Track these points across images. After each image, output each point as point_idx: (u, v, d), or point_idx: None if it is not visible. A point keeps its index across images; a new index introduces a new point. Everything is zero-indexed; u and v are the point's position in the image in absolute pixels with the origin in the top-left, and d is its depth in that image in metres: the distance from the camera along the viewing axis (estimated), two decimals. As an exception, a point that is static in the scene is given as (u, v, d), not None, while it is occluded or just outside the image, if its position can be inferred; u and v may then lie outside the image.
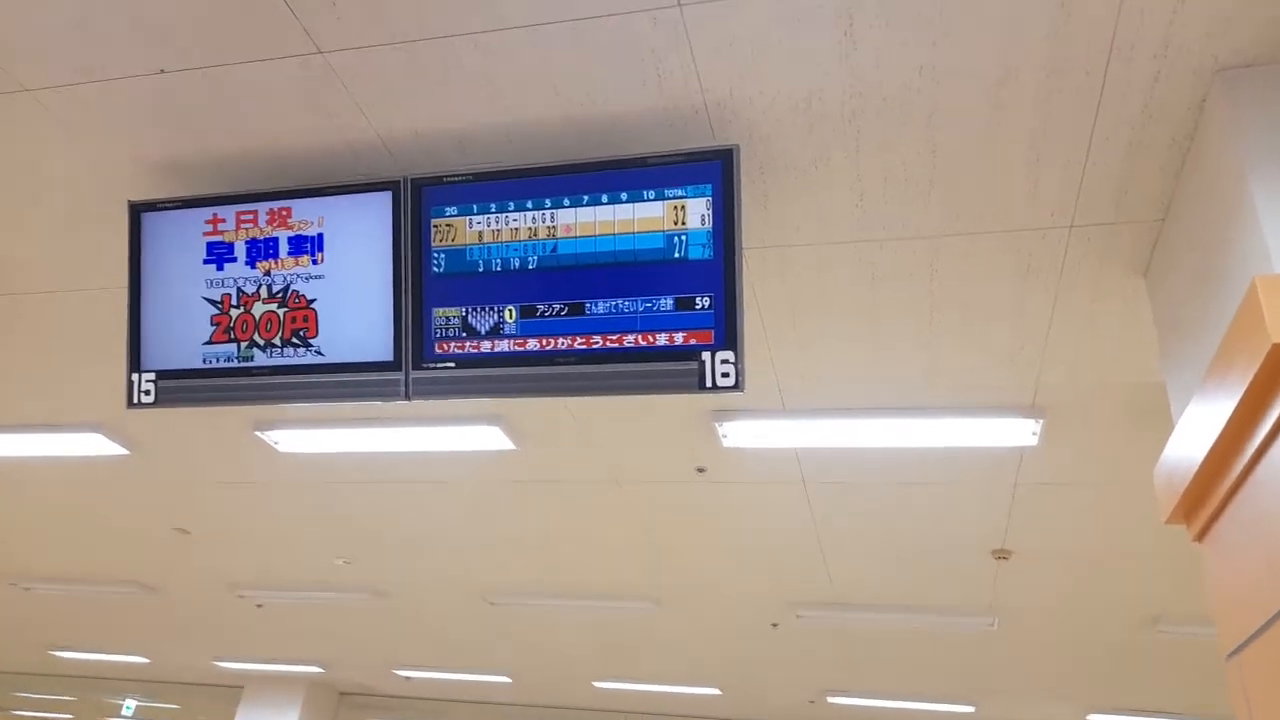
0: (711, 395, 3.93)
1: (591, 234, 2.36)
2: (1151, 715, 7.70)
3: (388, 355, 2.48)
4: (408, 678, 9.98)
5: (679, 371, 2.25)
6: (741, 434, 4.17)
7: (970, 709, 8.42)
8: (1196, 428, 2.05)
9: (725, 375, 2.23)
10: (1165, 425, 2.52)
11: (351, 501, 5.63)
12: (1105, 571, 5.14)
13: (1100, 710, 7.90)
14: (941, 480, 4.39)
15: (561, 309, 2.34)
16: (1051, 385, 3.53)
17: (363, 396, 2.49)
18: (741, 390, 2.24)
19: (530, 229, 2.41)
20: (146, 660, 10.99)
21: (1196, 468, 2.04)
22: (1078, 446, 3.92)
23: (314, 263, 2.57)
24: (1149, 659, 6.38)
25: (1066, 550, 4.95)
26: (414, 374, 2.43)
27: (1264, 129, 1.98)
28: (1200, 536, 2.15)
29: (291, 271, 2.58)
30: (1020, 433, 3.81)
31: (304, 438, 4.64)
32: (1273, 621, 1.78)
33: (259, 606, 7.82)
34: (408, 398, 2.42)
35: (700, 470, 4.66)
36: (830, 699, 8.66)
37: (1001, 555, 5.05)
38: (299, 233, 2.61)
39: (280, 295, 2.59)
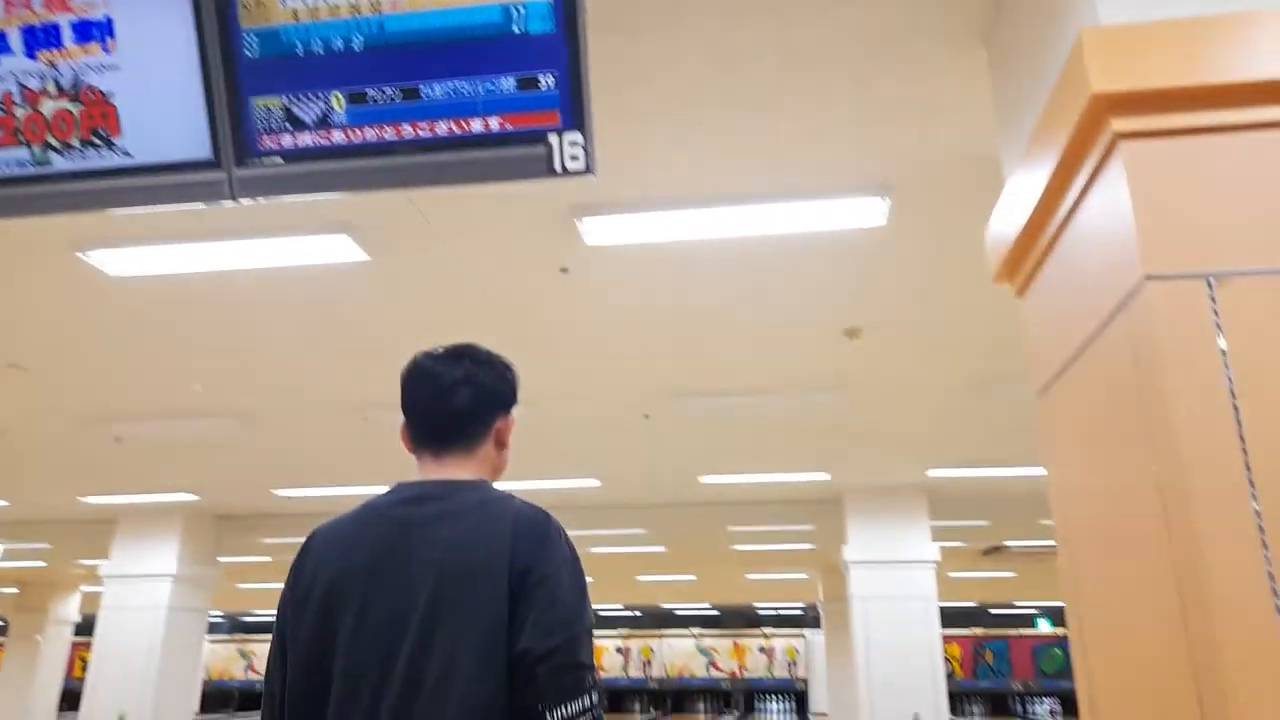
0: (569, 191, 3.89)
1: (421, 8, 2.17)
2: (982, 466, 8.63)
3: (206, 153, 2.26)
4: (286, 497, 10.03)
5: (526, 157, 2.16)
6: (602, 230, 4.15)
7: (826, 476, 9.21)
8: (1023, 186, 2.15)
9: (574, 159, 2.16)
10: (1001, 194, 2.64)
11: (202, 326, 5.37)
12: (946, 341, 5.54)
13: (939, 465, 8.78)
14: (796, 265, 4.54)
15: (394, 94, 2.18)
16: (899, 164, 3.62)
17: (183, 199, 2.29)
18: (593, 173, 2.18)
19: (352, 5, 2.19)
20: (5, 503, 10.59)
21: (1021, 226, 2.15)
22: (924, 224, 4.09)
23: (105, 51, 2.27)
24: (982, 417, 7.05)
25: (912, 324, 5.28)
26: (238, 172, 2.25)
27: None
28: (1022, 291, 2.31)
29: (80, 62, 2.28)
30: (870, 213, 3.93)
31: (134, 258, 4.32)
32: (1075, 358, 1.96)
33: (117, 440, 7.55)
34: (234, 198, 2.24)
35: (564, 271, 4.65)
36: (702, 479, 9.28)
37: (853, 334, 5.36)
38: (83, 17, 2.29)
39: (72, 91, 2.29)
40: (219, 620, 25.50)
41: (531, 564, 1.39)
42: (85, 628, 13.23)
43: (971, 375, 6.12)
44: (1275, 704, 1.45)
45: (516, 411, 1.73)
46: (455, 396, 1.63)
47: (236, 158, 2.25)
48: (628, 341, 5.66)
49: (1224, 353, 1.58)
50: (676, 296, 4.94)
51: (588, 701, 1.33)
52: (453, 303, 5.05)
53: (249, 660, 25.38)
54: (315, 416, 7.18)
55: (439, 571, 1.40)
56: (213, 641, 25.33)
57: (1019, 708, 21.66)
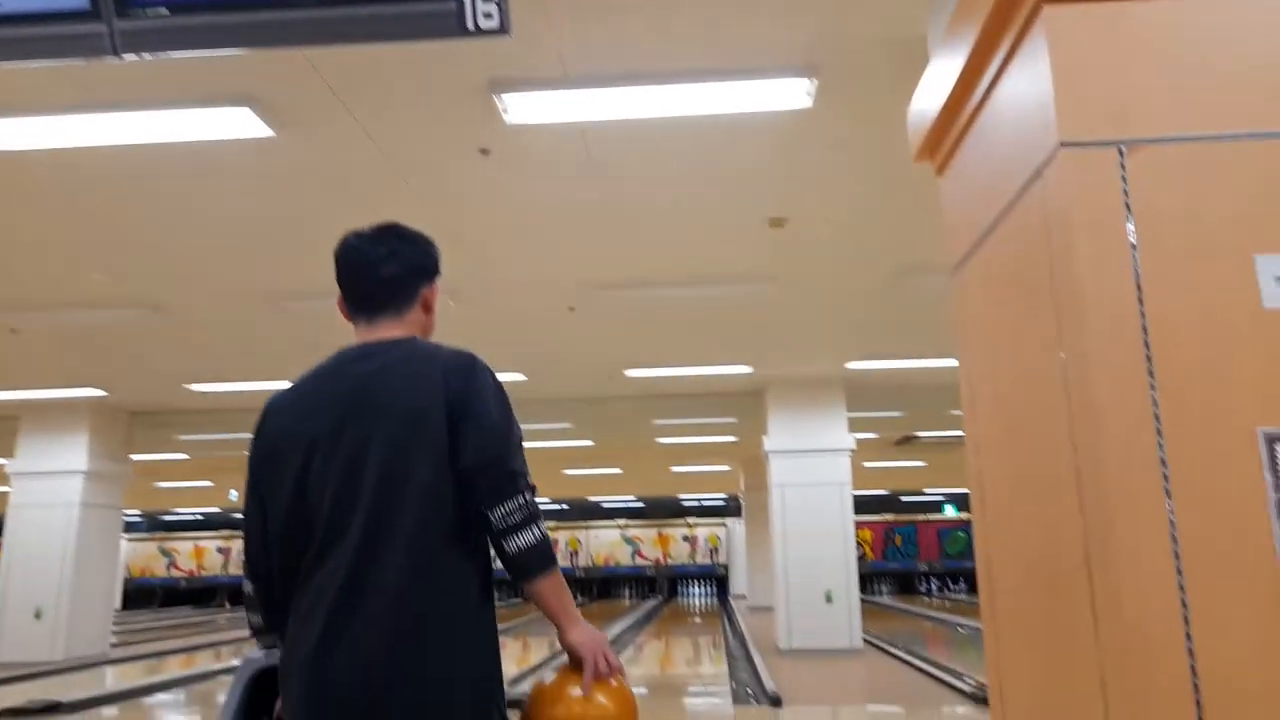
0: (486, 64, 3.72)
1: None
2: (899, 358, 8.88)
3: (83, 2, 2.07)
4: (201, 392, 9.75)
5: (435, 13, 2.03)
6: (522, 108, 4.00)
7: (749, 369, 9.37)
8: (945, 62, 2.13)
9: (488, 16, 2.04)
10: (923, 71, 2.61)
11: (100, 208, 5.06)
12: (868, 231, 5.59)
13: (858, 358, 9.01)
14: (721, 150, 4.47)
15: (291, -61, 2.01)
16: (825, 44, 3.55)
17: (60, 54, 2.10)
18: (508, 33, 2.06)
19: None
20: (-107, 400, 10.07)
21: (942, 102, 2.14)
22: (850, 107, 4.05)
23: (-43, -121, 2.03)
24: (901, 309, 7.20)
25: (836, 214, 5.30)
26: (119, 24, 2.06)
27: None
28: (941, 169, 2.31)
29: (-72, -108, 2.04)
30: (795, 95, 3.87)
31: (17, 130, 4.01)
32: (989, 233, 1.98)
33: (13, 332, 7.18)
34: (116, 53, 2.07)
35: (484, 152, 4.49)
36: (627, 372, 9.34)
37: (777, 223, 5.36)
38: None
39: (-78, -73, 2.06)
40: (137, 520, 25.11)
41: (462, 397, 1.64)
42: (-6, 527, 12.87)
43: (893, 267, 6.22)
44: (1160, 585, 1.54)
45: (440, 282, 1.92)
46: (382, 270, 1.85)
47: (117, 8, 2.06)
48: (550, 231, 5.56)
49: (1130, 223, 1.61)
50: (599, 185, 4.84)
51: (521, 500, 1.59)
52: (368, 187, 4.85)
53: (170, 558, 25.18)
54: (227, 307, 6.92)
55: (388, 415, 1.63)
56: (132, 540, 25.00)
57: (924, 586, 23.07)
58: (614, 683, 1.67)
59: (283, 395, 1.81)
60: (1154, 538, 1.55)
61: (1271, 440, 1.54)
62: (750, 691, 7.02)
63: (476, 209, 5.21)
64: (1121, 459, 1.59)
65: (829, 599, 9.44)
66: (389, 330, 1.83)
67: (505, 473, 1.60)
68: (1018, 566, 2.14)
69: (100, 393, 9.80)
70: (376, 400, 1.65)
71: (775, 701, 6.41)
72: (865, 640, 9.78)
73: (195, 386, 9.55)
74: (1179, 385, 1.58)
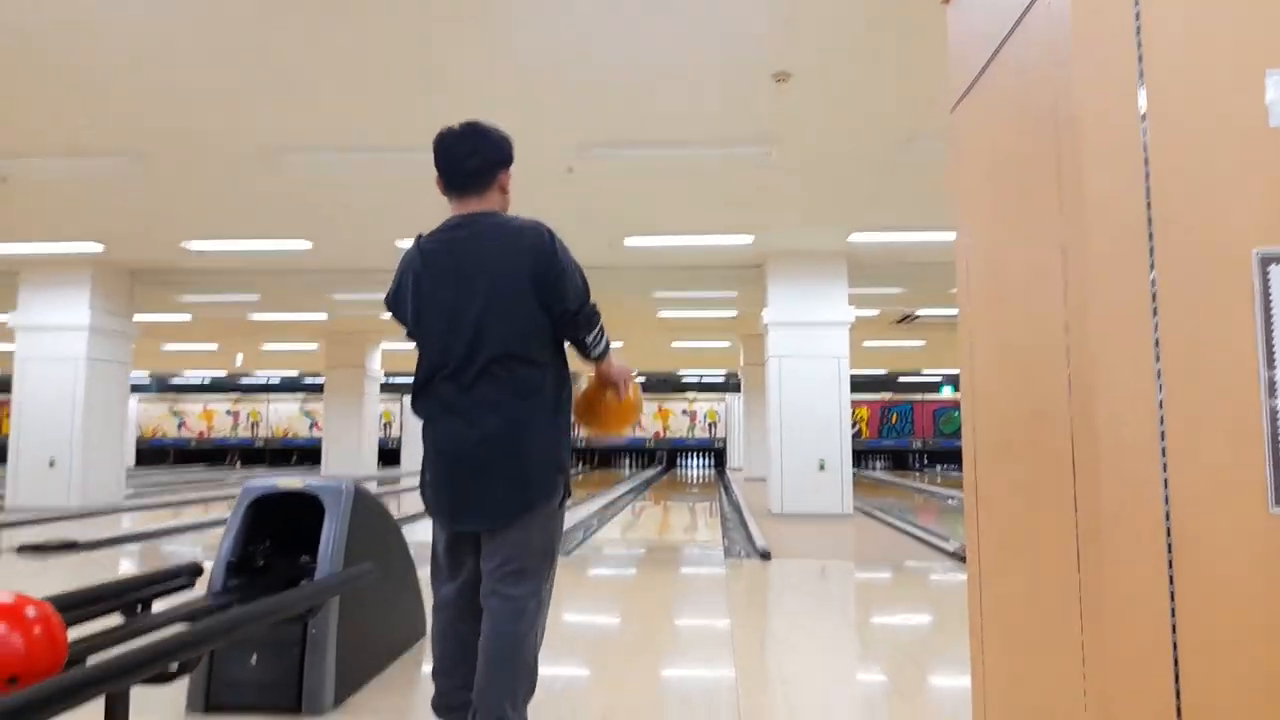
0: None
1: None
2: (903, 230, 8.77)
3: None
4: (200, 251, 9.70)
5: None
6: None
7: (749, 239, 9.26)
8: None
9: None
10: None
11: (81, 52, 4.88)
12: (876, 90, 5.40)
13: (861, 229, 8.89)
14: (728, -6, 4.26)
15: None
16: None
17: None
18: None
19: None
20: (-107, 253, 10.04)
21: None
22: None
23: None
24: (907, 177, 7.05)
25: (843, 69, 5.11)
26: None
27: None
28: (949, -3, 2.19)
29: None
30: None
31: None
32: (989, 62, 1.90)
33: (2, 180, 7.08)
34: None
35: (478, -8, 4.30)
36: (627, 241, 9.24)
37: (781, 78, 5.17)
38: None
39: None
40: (146, 382, 25.50)
41: (549, 258, 2.31)
42: (3, 385, 13.07)
43: (900, 129, 6.04)
44: (1139, 413, 1.54)
45: (513, 169, 2.50)
46: (467, 162, 2.39)
47: None
48: (549, 87, 5.38)
49: (1137, 40, 1.53)
50: (598, 36, 4.64)
51: (599, 326, 2.42)
52: (363, 35, 4.66)
53: (181, 419, 25.72)
54: (216, 159, 6.79)
55: (486, 271, 2.30)
56: (143, 401, 25.47)
57: (917, 463, 23.60)
58: (633, 387, 2.57)
59: (421, 244, 2.42)
60: (1137, 362, 1.55)
61: (1266, 261, 1.51)
62: (741, 548, 7.27)
63: (473, 63, 5.02)
64: (1110, 280, 1.56)
65: (822, 467, 9.64)
66: (474, 205, 2.40)
67: (590, 311, 2.38)
68: (999, 411, 2.15)
69: (98, 248, 9.75)
70: (477, 259, 2.30)
71: (765, 555, 6.63)
72: (856, 508, 10.05)
73: (193, 245, 9.48)
74: (1177, 207, 1.54)
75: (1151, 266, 1.55)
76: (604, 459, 24.87)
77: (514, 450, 2.25)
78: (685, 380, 25.56)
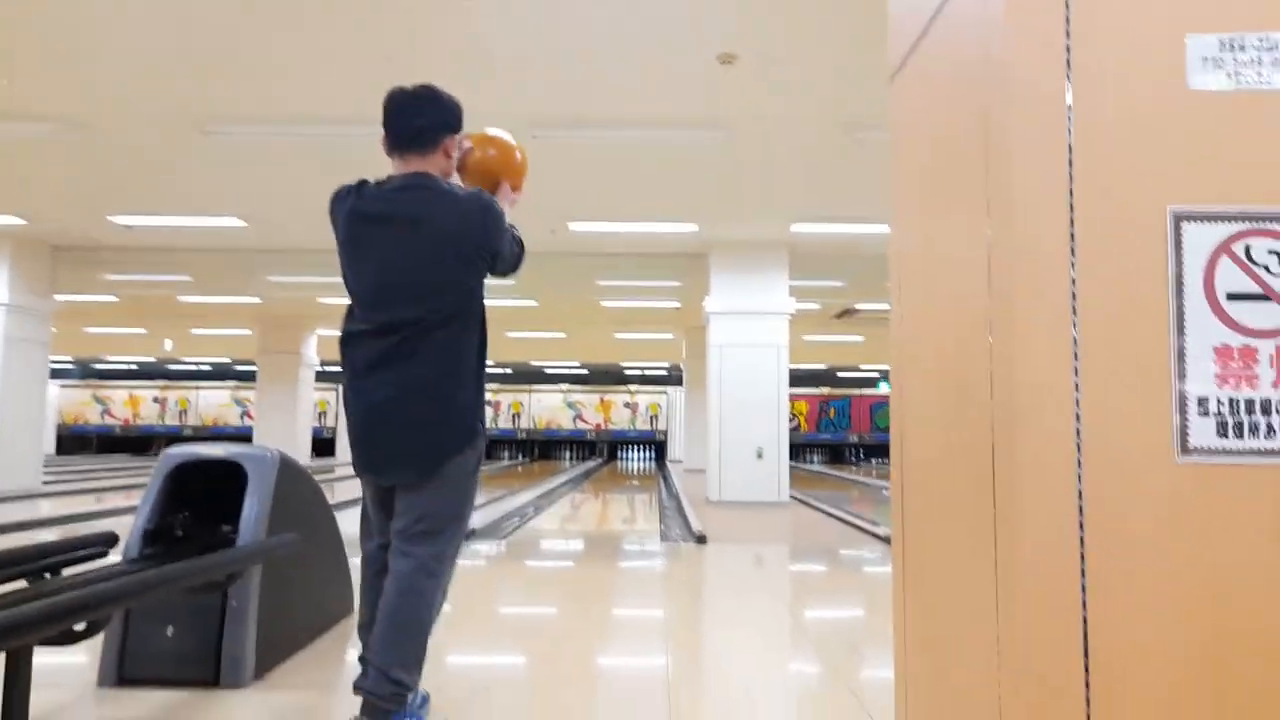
0: None
1: None
2: (845, 222, 8.88)
3: None
4: (127, 226, 9.36)
5: None
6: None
7: (694, 228, 9.29)
8: None
9: None
10: None
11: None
12: (824, 74, 5.44)
13: (803, 220, 8.98)
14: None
15: None
16: None
17: None
18: None
19: None
20: None
21: (893, -119, 2.02)
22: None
23: None
24: (850, 167, 7.13)
25: (787, 52, 5.14)
26: None
27: None
28: (887, -38, 2.21)
29: None
30: (750, -92, 3.66)
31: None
32: (929, 25, 1.91)
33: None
34: None
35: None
36: (571, 226, 9.19)
37: (727, 59, 5.18)
38: None
39: None
40: (69, 366, 24.59)
41: (482, 229, 2.37)
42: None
43: (846, 116, 6.10)
44: (1052, 361, 1.57)
45: (458, 137, 2.49)
46: (415, 121, 2.41)
47: None
48: (493, 63, 5.31)
49: (1066, 5, 1.56)
50: (541, 14, 4.59)
51: (520, 265, 2.57)
52: (302, 10, 4.54)
53: (105, 406, 24.87)
54: (153, 130, 6.55)
55: (421, 227, 2.33)
56: (65, 387, 24.55)
57: (854, 456, 24.00)
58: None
59: (347, 189, 2.43)
60: (1055, 317, 1.58)
61: (1179, 218, 1.55)
62: (679, 533, 7.29)
63: (416, 36, 4.93)
64: (1030, 237, 1.59)
65: (760, 455, 9.73)
66: (416, 165, 2.40)
67: (517, 264, 2.55)
68: (924, 379, 2.18)
69: (19, 221, 9.35)
70: (412, 220, 2.32)
71: (701, 540, 6.66)
72: (792, 497, 10.16)
73: (119, 219, 9.15)
74: (1098, 166, 1.57)
75: (1071, 223, 1.58)
76: (544, 450, 24.77)
77: (434, 406, 2.30)
78: (628, 373, 25.58)
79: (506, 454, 24.60)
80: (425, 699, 2.55)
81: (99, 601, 1.93)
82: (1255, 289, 1.58)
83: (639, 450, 24.63)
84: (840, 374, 24.08)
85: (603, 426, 24.95)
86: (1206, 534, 1.54)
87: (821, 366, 23.14)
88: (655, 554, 6.18)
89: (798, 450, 22.67)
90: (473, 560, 5.78)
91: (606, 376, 25.46)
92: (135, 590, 2.08)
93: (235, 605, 2.86)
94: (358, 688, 2.26)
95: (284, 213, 8.80)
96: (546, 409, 25.14)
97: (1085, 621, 1.52)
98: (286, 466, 3.18)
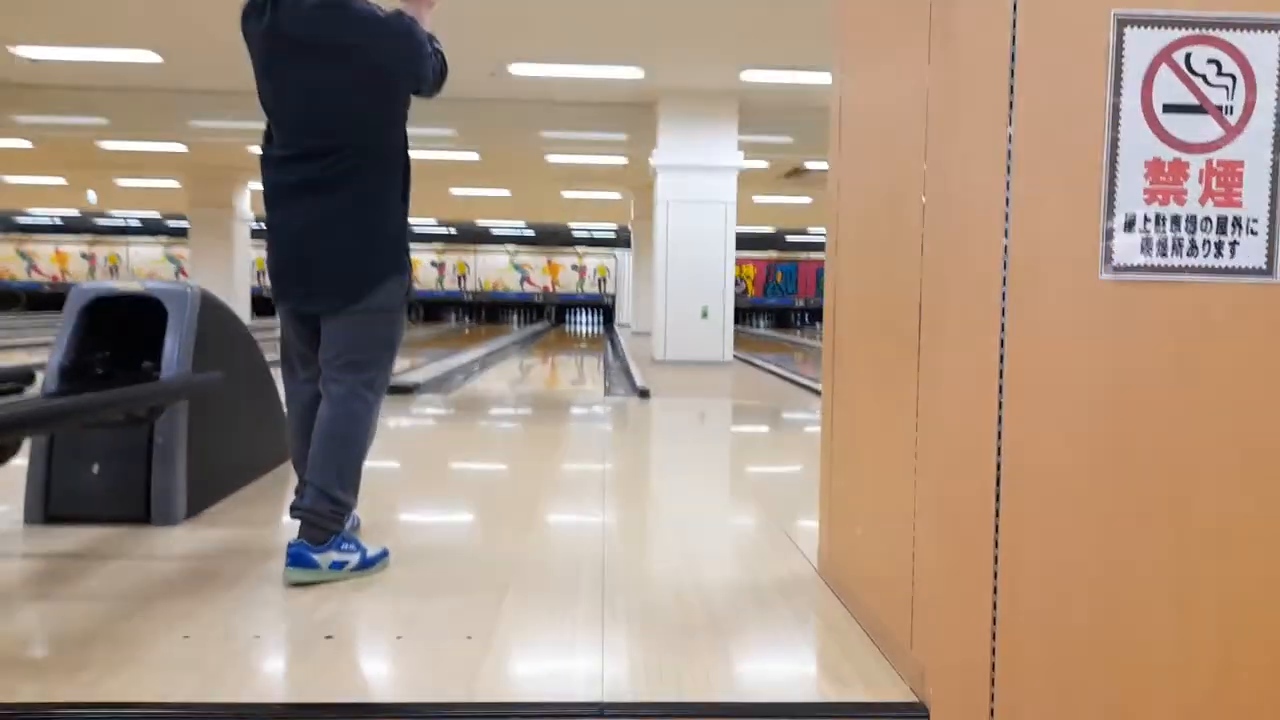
0: None
1: None
2: (797, 70, 8.60)
3: None
4: (32, 60, 8.68)
5: None
6: None
7: (640, 73, 8.93)
8: None
9: None
10: None
11: None
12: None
13: (754, 65, 8.67)
14: None
15: None
16: None
17: None
18: None
19: None
20: None
21: None
22: None
23: None
24: (803, 5, 6.81)
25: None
26: None
27: None
28: None
29: None
30: None
31: None
32: None
33: None
34: None
35: None
36: (512, 68, 8.77)
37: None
38: None
39: None
40: (-11, 219, 23.41)
41: (403, 48, 2.25)
42: None
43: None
44: (987, 233, 1.53)
45: None
46: None
47: None
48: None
49: None
50: None
51: (443, 81, 2.40)
52: None
53: (30, 262, 23.86)
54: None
55: (337, 45, 2.20)
56: (-15, 242, 23.47)
57: (799, 320, 24.31)
58: None
59: (250, 4, 2.27)
60: (989, 123, 1.53)
61: (1122, 22, 1.49)
62: (622, 389, 7.36)
63: None
64: (972, 46, 1.53)
65: (705, 314, 9.76)
66: None
67: (440, 82, 2.37)
68: (861, 201, 2.14)
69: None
70: (329, 38, 2.19)
71: (644, 394, 6.75)
72: (736, 357, 10.30)
73: (23, 50, 8.46)
74: (1041, -33, 1.50)
75: (1014, 26, 1.51)
76: (490, 313, 24.61)
77: (359, 231, 2.26)
78: (576, 234, 25.21)
79: (453, 316, 24.39)
80: (358, 522, 2.57)
81: (7, 423, 1.86)
82: (1192, 100, 1.54)
83: (587, 314, 24.58)
84: (789, 238, 24.05)
85: (550, 289, 24.76)
86: (1118, 348, 1.56)
87: (770, 230, 23.06)
88: (597, 406, 6.24)
89: (744, 314, 22.86)
90: (419, 410, 5.78)
91: (554, 238, 25.08)
92: (46, 416, 2.02)
93: (162, 443, 2.81)
94: (295, 508, 2.24)
95: (203, 46, 8.19)
96: (493, 270, 24.79)
97: (1000, 421, 1.55)
98: (209, 304, 3.07)
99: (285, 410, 2.65)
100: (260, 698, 1.58)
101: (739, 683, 1.66)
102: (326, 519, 2.20)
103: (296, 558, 2.17)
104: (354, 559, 2.23)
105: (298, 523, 2.23)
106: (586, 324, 24.14)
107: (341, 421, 2.26)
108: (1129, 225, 1.55)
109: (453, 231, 24.47)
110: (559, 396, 7.17)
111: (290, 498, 2.54)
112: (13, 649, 1.82)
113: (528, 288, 24.83)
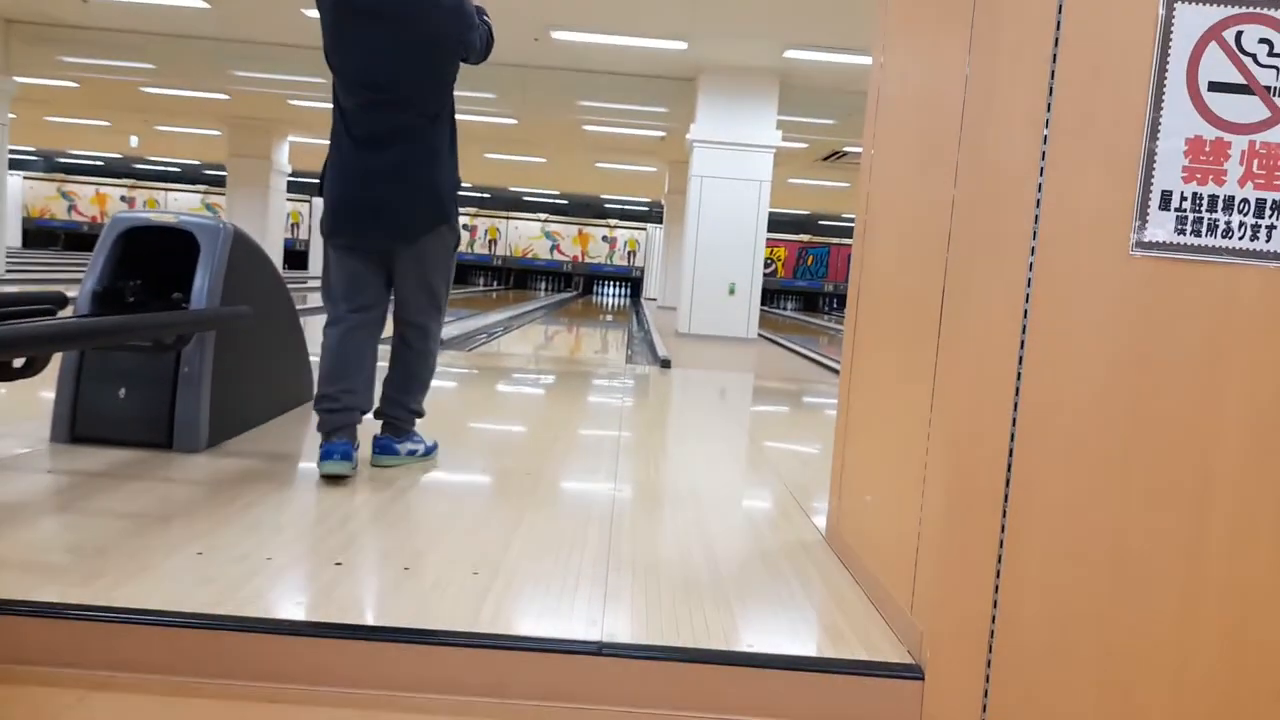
0: None
1: None
2: (842, 51, 8.50)
3: None
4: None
5: None
6: None
7: (683, 45, 8.87)
8: None
9: None
10: None
11: None
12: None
13: (798, 45, 8.59)
14: None
15: None
16: None
17: None
18: None
19: None
20: None
21: None
22: None
23: None
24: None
25: None
26: None
27: None
28: None
29: None
30: None
31: None
32: None
33: None
34: None
35: None
36: (554, 34, 8.74)
37: None
38: None
39: None
40: (33, 158, 23.74)
41: (462, 20, 2.62)
42: None
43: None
44: (1014, 242, 1.52)
45: None
46: None
47: None
48: None
49: None
50: None
51: (491, 41, 2.82)
52: None
53: (71, 202, 24.20)
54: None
55: (404, 21, 2.53)
56: (29, 178, 23.80)
57: (828, 305, 24.16)
58: None
59: None
60: (1029, 92, 1.51)
61: (1171, -7, 1.46)
62: (644, 359, 7.38)
63: None
64: (1016, 13, 1.50)
65: (732, 291, 9.74)
66: None
67: (487, 52, 2.78)
68: (892, 172, 2.13)
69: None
70: (393, 14, 2.51)
71: (665, 364, 6.76)
72: (760, 335, 10.27)
73: (74, -10, 8.57)
74: (1091, -71, 1.47)
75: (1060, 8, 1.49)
76: (519, 279, 24.66)
77: (426, 180, 2.61)
78: (608, 206, 25.15)
79: (482, 280, 24.47)
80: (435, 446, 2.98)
81: (38, 337, 1.90)
82: (1239, 79, 1.51)
83: (614, 286, 24.58)
84: (822, 221, 23.85)
85: (580, 259, 24.77)
86: (1144, 325, 1.54)
87: (804, 212, 22.87)
88: (618, 374, 6.26)
89: (773, 296, 22.76)
90: (442, 368, 5.82)
91: (586, 209, 25.04)
92: (76, 333, 2.06)
93: (188, 371, 2.86)
94: (380, 413, 2.77)
95: (253, -3, 8.26)
96: (524, 237, 24.82)
97: (1018, 393, 1.54)
98: (241, 241, 3.10)
99: (319, 346, 2.82)
100: (267, 614, 1.62)
101: (738, 635, 1.68)
102: (406, 420, 2.80)
103: (384, 448, 2.75)
104: (421, 448, 2.85)
105: (346, 430, 2.59)
106: (614, 296, 24.15)
107: (420, 355, 2.80)
108: (1165, 203, 1.52)
109: (486, 196, 24.51)
110: (580, 362, 7.20)
111: (311, 435, 2.59)
112: (34, 555, 1.87)
113: (557, 256, 24.86)
